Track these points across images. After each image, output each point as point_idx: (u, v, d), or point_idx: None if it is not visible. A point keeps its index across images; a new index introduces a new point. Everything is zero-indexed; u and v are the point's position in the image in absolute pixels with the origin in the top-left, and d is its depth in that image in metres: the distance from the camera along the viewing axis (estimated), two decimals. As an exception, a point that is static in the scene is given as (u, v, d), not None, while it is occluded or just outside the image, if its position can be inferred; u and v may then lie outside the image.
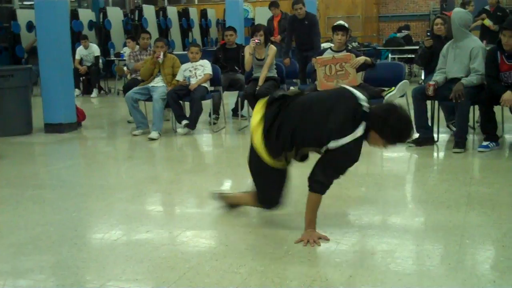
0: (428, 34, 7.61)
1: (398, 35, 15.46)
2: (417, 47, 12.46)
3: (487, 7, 12.00)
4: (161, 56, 7.61)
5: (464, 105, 5.99)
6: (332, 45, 7.46)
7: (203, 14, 20.75)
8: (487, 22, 11.60)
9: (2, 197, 4.95)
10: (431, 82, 6.22)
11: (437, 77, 6.31)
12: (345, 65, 6.74)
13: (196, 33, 19.98)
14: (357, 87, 6.69)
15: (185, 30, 19.41)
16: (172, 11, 18.92)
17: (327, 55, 6.99)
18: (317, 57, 6.94)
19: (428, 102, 6.50)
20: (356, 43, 15.45)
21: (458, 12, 6.29)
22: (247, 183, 5.35)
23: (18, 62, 14.54)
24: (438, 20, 7.24)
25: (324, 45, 10.76)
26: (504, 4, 17.15)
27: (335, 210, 4.25)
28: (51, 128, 7.91)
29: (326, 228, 3.87)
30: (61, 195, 5.08)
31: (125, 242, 3.74)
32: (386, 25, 22.07)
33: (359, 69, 6.86)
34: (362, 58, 6.86)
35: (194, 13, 20.06)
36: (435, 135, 6.54)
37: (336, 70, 6.72)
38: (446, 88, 6.18)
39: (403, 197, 4.78)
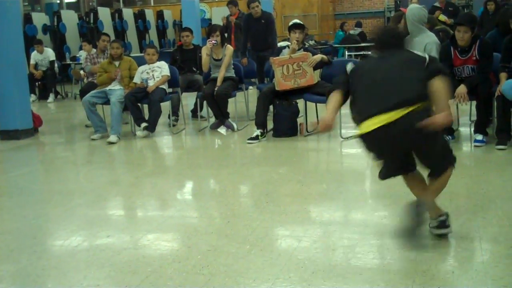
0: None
1: (352, 32, 15.66)
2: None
3: (436, 4, 12.23)
4: (118, 77, 7.57)
5: None
6: (289, 43, 7.51)
7: (160, 15, 20.63)
8: (442, 17, 11.82)
9: (-42, 207, 4.84)
10: None
11: None
12: (302, 64, 6.79)
13: (152, 34, 19.86)
14: (314, 85, 6.81)
15: (142, 32, 19.28)
16: (128, 13, 18.77)
17: (285, 55, 7.02)
18: (274, 58, 6.96)
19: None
20: (313, 41, 15.59)
21: (412, 9, 6.40)
22: (208, 183, 5.37)
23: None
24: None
25: (282, 43, 10.82)
26: (455, 0, 17.54)
27: (296, 207, 4.27)
28: (7, 135, 7.76)
29: (288, 225, 3.90)
30: (19, 202, 4.99)
31: (85, 248, 3.70)
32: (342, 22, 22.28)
33: (316, 67, 6.92)
34: (318, 56, 6.92)
35: (150, 15, 19.93)
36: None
37: (294, 70, 6.76)
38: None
39: (363, 193, 4.83)
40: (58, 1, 20.28)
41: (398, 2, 18.60)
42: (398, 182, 4.87)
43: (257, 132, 6.78)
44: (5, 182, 5.95)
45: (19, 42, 7.96)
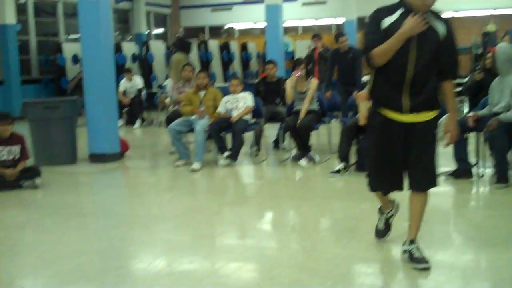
0: (478, 67, 7.62)
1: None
2: (463, 80, 12.45)
3: None
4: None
5: (499, 140, 5.89)
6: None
7: (244, 47, 20.97)
8: None
9: (48, 225, 5.02)
10: (470, 114, 6.20)
11: (483, 110, 6.26)
12: (388, 99, 6.69)
13: (236, 65, 20.18)
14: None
15: (226, 62, 19.63)
16: (213, 44, 19.18)
17: (370, 88, 6.95)
18: (359, 92, 6.91)
19: (472, 136, 6.44)
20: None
21: (502, 47, 6.23)
22: (289, 215, 5.35)
23: (63, 93, 14.89)
24: (490, 55, 7.19)
25: (365, 78, 10.75)
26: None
27: (380, 245, 4.18)
28: (95, 158, 8.02)
29: (371, 263, 3.82)
30: (105, 224, 5.13)
31: (168, 273, 3.75)
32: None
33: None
34: (405, 92, 6.81)
35: (235, 46, 20.29)
36: (480, 170, 6.42)
37: (379, 104, 6.67)
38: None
39: (450, 233, 4.68)
40: (147, 32, 20.99)
41: (485, 39, 18.16)
42: (486, 224, 4.70)
43: (340, 165, 6.71)
44: (92, 203, 6.15)
45: (110, 70, 8.24)
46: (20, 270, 3.95)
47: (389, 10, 3.59)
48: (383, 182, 3.90)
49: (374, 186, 3.95)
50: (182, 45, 9.37)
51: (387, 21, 3.54)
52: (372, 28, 3.60)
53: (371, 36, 3.57)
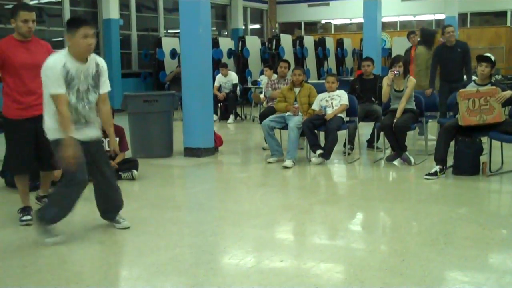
0: None
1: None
2: None
3: None
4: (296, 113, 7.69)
5: None
6: (476, 78, 7.17)
7: (339, 43, 20.78)
8: None
9: (144, 217, 5.17)
10: None
11: None
12: (490, 100, 6.43)
13: (331, 62, 20.03)
14: (501, 123, 6.42)
15: (321, 59, 19.52)
16: (309, 40, 19.11)
17: (471, 88, 6.71)
18: (461, 90, 6.67)
19: None
20: (500, 76, 14.81)
21: None
22: (382, 217, 5.25)
23: (161, 87, 15.32)
24: None
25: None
26: None
27: (476, 252, 4.03)
28: (190, 152, 8.18)
29: (467, 271, 3.68)
30: (198, 218, 5.24)
31: (259, 270, 3.76)
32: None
33: (504, 103, 6.53)
34: (508, 93, 6.51)
35: (330, 42, 20.13)
36: None
37: (480, 105, 6.42)
38: None
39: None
40: (243, 27, 21.22)
41: None
42: None
43: (436, 168, 6.51)
44: (185, 196, 6.29)
45: (208, 65, 8.38)
46: (117, 259, 4.09)
47: None
48: None
49: None
50: (425, 38, 9.48)
51: None
52: None
53: None
